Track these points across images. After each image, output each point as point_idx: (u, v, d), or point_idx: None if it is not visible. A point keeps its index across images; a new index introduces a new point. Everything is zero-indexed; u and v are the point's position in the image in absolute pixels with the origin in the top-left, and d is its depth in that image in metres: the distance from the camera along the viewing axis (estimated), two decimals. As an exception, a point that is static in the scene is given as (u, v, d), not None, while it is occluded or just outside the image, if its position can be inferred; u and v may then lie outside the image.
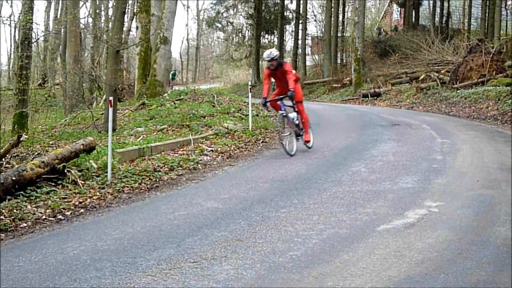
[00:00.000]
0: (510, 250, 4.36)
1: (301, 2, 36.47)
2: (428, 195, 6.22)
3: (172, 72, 30.30)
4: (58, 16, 29.06)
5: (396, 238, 4.75)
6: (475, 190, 6.40)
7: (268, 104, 9.45)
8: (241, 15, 41.80)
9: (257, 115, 14.55)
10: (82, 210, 6.28)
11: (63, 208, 6.24)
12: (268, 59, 9.35)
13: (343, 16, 37.23)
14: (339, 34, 34.52)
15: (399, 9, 40.20)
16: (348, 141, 10.63)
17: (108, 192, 6.94)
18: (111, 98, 8.15)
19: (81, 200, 6.56)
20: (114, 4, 16.72)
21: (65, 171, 7.28)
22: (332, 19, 33.11)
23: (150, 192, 7.11)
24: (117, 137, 10.87)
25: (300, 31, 36.37)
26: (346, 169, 7.96)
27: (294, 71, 9.71)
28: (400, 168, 7.80)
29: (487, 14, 28.94)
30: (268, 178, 7.51)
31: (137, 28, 19.20)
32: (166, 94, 17.74)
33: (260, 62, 39.28)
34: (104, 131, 11.31)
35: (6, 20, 22.98)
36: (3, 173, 6.73)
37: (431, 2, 34.86)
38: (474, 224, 5.10)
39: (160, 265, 4.30)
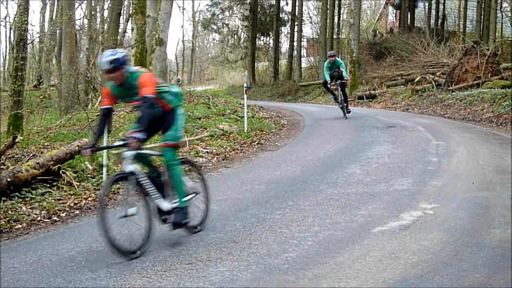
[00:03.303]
0: (505, 252, 4.37)
1: (297, 4, 36.45)
2: (423, 197, 6.23)
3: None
4: (54, 18, 28.90)
5: (391, 240, 4.76)
6: (470, 192, 6.41)
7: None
8: (236, 17, 41.70)
9: (253, 117, 14.54)
10: (77, 212, 6.27)
11: (58, 210, 6.24)
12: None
13: (339, 18, 37.24)
14: (334, 36, 34.44)
15: (394, 11, 40.17)
16: (343, 143, 10.64)
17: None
18: (106, 99, 8.11)
19: (76, 202, 6.55)
20: (110, 5, 16.73)
21: (60, 172, 7.27)
22: (328, 21, 33.06)
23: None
24: (112, 139, 10.84)
25: (295, 33, 36.31)
26: (342, 171, 7.97)
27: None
28: (395, 170, 7.81)
29: (482, 17, 28.96)
30: (264, 180, 7.51)
31: (132, 29, 19.13)
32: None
33: (255, 64, 39.25)
34: (99, 133, 11.27)
35: (2, 21, 22.83)
36: (-3, 175, 6.71)
37: (427, 4, 34.92)
38: (469, 226, 5.11)
39: (155, 267, 4.29)
